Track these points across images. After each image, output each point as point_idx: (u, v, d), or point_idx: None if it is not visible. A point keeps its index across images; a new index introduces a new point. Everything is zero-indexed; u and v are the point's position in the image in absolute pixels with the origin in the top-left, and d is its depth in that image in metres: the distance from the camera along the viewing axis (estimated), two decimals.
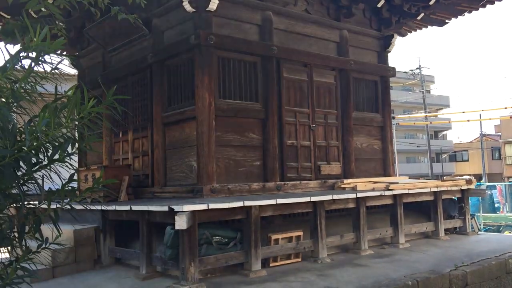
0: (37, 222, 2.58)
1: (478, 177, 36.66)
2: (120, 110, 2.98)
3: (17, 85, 2.51)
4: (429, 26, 11.05)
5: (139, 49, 8.74)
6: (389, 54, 10.50)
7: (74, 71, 10.88)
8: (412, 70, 46.63)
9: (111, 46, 9.04)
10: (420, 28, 11.18)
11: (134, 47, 8.84)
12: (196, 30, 7.33)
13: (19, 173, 2.50)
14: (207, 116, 7.14)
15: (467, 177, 10.40)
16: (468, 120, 41.15)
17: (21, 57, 2.64)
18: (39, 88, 2.80)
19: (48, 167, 2.64)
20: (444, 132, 65.49)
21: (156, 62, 8.12)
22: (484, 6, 9.78)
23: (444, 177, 12.61)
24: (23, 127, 2.57)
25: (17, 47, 3.20)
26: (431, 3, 9.34)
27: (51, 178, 2.73)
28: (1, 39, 3.41)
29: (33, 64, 2.70)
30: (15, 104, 2.54)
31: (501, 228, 21.46)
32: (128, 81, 8.95)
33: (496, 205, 27.22)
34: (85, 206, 3.21)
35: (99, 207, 6.91)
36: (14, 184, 2.52)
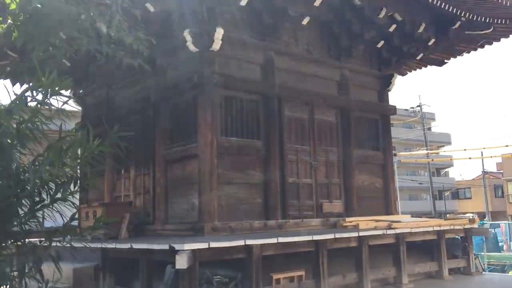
0: (37, 262, 2.57)
1: (482, 215, 36.35)
2: (124, 148, 3.02)
3: (23, 125, 2.56)
4: (428, 66, 11.22)
5: (143, 87, 8.87)
6: (389, 92, 10.63)
7: (78, 108, 11.00)
8: (412, 107, 46.93)
9: (115, 84, 9.19)
10: (420, 68, 11.36)
11: (138, 85, 8.98)
12: (199, 69, 7.46)
13: (21, 212, 2.51)
14: (209, 154, 7.17)
15: (470, 215, 10.34)
16: (469, 158, 41.15)
17: (28, 98, 2.70)
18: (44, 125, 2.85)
19: (51, 206, 2.65)
20: (446, 169, 65.32)
21: (160, 100, 8.23)
22: (482, 46, 9.97)
23: (447, 215, 12.53)
24: (27, 166, 2.60)
25: (21, 83, 3.26)
26: (429, 44, 9.53)
27: (53, 216, 2.74)
28: (7, 77, 3.49)
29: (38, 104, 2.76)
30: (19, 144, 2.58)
31: (505, 268, 21.10)
32: (132, 119, 9.04)
33: (500, 244, 26.86)
34: (86, 244, 3.20)
35: (99, 245, 6.85)
36: (15, 223, 2.52)
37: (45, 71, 2.92)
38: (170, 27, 8.37)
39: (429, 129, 53.76)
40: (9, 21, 2.84)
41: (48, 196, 2.66)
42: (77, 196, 3.10)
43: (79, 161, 2.61)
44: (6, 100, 2.73)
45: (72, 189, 2.72)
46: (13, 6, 2.90)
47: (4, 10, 2.84)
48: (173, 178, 7.89)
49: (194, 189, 7.34)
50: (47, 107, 2.76)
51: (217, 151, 7.29)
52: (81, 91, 10.64)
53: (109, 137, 2.98)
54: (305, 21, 8.59)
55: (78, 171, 2.86)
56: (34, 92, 2.74)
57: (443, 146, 58.21)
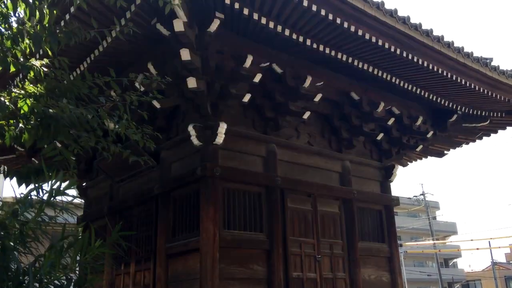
0: None
1: None
2: (125, 246, 2.99)
3: (26, 226, 2.56)
4: (428, 157, 11.37)
5: (146, 180, 8.94)
6: (391, 182, 10.66)
7: (81, 200, 11.01)
8: (416, 196, 46.79)
9: (119, 177, 9.27)
10: (420, 158, 11.51)
11: (141, 178, 9.05)
12: (202, 163, 7.56)
13: None
14: (211, 248, 7.05)
15: None
16: (477, 249, 40.14)
17: (33, 198, 2.73)
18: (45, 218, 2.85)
19: None
20: (455, 260, 63.56)
21: (162, 193, 8.25)
22: (480, 138, 10.17)
23: None
24: (27, 266, 2.57)
25: (27, 184, 3.31)
26: (428, 135, 9.74)
27: None
28: (13, 177, 3.54)
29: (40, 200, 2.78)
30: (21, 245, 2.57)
31: None
32: (134, 212, 9.01)
33: None
34: None
35: None
36: None
37: (52, 168, 2.98)
38: (174, 122, 8.65)
39: (434, 218, 53.11)
40: (20, 125, 2.95)
41: None
42: None
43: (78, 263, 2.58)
44: (8, 194, 2.76)
45: None
46: (25, 108, 3.02)
47: (15, 113, 2.96)
48: (174, 274, 7.69)
49: (195, 285, 7.11)
50: (51, 207, 2.79)
51: (219, 244, 7.17)
52: (84, 183, 10.71)
53: (111, 235, 2.96)
54: (306, 115, 8.86)
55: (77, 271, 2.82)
56: (39, 191, 2.77)
57: (449, 235, 57.15)
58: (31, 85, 3.24)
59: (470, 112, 9.92)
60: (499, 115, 10.12)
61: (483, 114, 10.03)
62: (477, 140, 10.66)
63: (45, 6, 3.11)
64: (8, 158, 8.36)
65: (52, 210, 2.95)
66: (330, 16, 6.72)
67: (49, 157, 3.48)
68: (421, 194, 45.97)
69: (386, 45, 7.45)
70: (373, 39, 7.29)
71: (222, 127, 7.64)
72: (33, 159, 8.90)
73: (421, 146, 10.35)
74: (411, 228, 49.61)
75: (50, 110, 2.93)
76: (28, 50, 3.20)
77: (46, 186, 2.93)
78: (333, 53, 7.74)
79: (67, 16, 5.99)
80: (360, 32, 7.09)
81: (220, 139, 7.66)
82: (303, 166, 9.02)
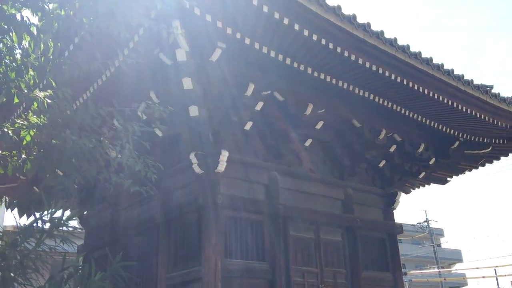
0: None
1: None
2: (125, 276, 2.96)
3: (26, 258, 2.54)
4: (431, 184, 11.32)
5: (147, 208, 8.89)
6: (395, 209, 10.58)
7: (81, 229, 10.94)
8: (420, 223, 46.34)
9: (120, 205, 9.24)
10: (423, 185, 11.46)
11: (143, 207, 9.01)
12: (204, 191, 7.53)
13: None
14: (212, 278, 6.96)
15: None
16: (483, 277, 39.56)
17: (33, 229, 2.72)
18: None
19: None
20: None
21: (164, 222, 8.20)
22: (483, 165, 10.15)
23: None
24: None
25: (28, 215, 3.30)
26: (430, 162, 9.72)
27: None
28: (14, 208, 3.53)
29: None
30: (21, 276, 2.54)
31: None
32: (135, 241, 8.93)
33: None
34: None
35: None
36: None
37: (53, 197, 2.97)
38: (177, 150, 8.65)
39: (439, 245, 52.50)
40: (22, 155, 2.96)
41: None
42: None
43: None
44: (9, 222, 2.75)
45: None
46: (28, 139, 3.04)
47: (18, 144, 2.98)
48: None
49: None
50: (52, 237, 2.77)
51: (221, 274, 7.08)
52: (85, 212, 10.66)
53: (111, 265, 2.94)
54: (308, 142, 8.87)
55: None
56: (40, 222, 2.77)
57: (455, 263, 56.34)
58: (35, 116, 3.27)
59: (472, 139, 9.93)
60: (501, 141, 10.12)
61: (485, 141, 10.03)
62: (479, 167, 10.64)
63: (50, 39, 3.16)
64: (9, 186, 8.35)
65: (53, 240, 2.94)
66: (331, 46, 6.80)
67: (50, 186, 3.48)
68: (425, 221, 45.56)
69: (387, 74, 7.52)
70: (374, 68, 7.36)
71: (224, 155, 7.64)
72: (34, 187, 8.89)
73: (423, 173, 10.32)
74: (415, 256, 48.97)
75: (53, 141, 2.94)
76: (32, 81, 3.24)
77: (47, 216, 2.93)
78: (334, 81, 7.81)
79: (71, 47, 6.07)
80: (360, 61, 7.17)
81: (222, 167, 7.65)
82: (305, 193, 8.98)
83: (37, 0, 3.16)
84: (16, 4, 3.15)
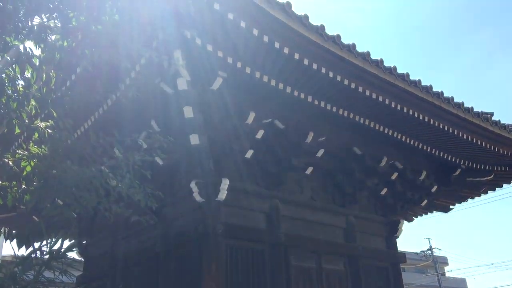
0: None
1: None
2: None
3: None
4: (434, 211, 11.24)
5: (147, 237, 8.81)
6: (397, 237, 10.48)
7: (81, 259, 10.82)
8: (423, 251, 45.81)
9: (120, 235, 9.15)
10: (426, 213, 11.38)
11: (143, 236, 8.93)
12: (204, 219, 7.47)
13: None
14: None
15: None
16: None
17: (32, 260, 2.69)
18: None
19: None
20: None
21: (164, 251, 8.11)
22: (485, 192, 10.10)
23: None
24: None
25: (27, 246, 3.26)
26: (433, 190, 9.68)
27: None
28: (13, 239, 3.50)
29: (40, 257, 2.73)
30: None
31: None
32: (135, 271, 8.82)
33: None
34: None
35: None
36: None
37: (53, 227, 2.95)
38: (177, 178, 8.63)
39: (443, 274, 51.81)
40: (22, 186, 2.96)
41: None
42: None
43: None
44: (8, 252, 2.71)
45: None
46: (28, 169, 3.03)
47: (18, 175, 2.97)
48: None
49: None
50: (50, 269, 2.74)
51: None
52: (84, 241, 10.56)
53: None
54: (309, 170, 8.85)
55: None
56: (38, 253, 2.73)
57: None
58: (35, 146, 3.27)
59: (474, 166, 9.91)
60: (502, 169, 10.09)
61: (487, 168, 10.01)
62: (482, 195, 10.58)
63: (52, 70, 3.19)
64: (9, 216, 8.29)
65: (51, 272, 2.90)
66: (331, 74, 6.86)
67: (50, 216, 3.45)
68: (428, 249, 45.05)
69: (387, 101, 7.56)
70: (373, 96, 7.40)
71: (225, 183, 7.61)
72: (34, 217, 8.83)
73: (425, 201, 10.26)
74: (419, 285, 48.25)
75: (53, 171, 2.94)
76: (34, 111, 3.26)
77: (46, 247, 2.90)
78: (334, 109, 7.84)
79: (73, 77, 6.12)
80: (360, 89, 7.21)
81: (222, 195, 7.61)
82: (307, 222, 8.90)
83: (40, 32, 3.21)
84: (19, 36, 3.20)
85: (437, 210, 11.10)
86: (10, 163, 2.95)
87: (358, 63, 6.98)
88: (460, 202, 10.84)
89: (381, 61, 7.22)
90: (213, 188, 7.61)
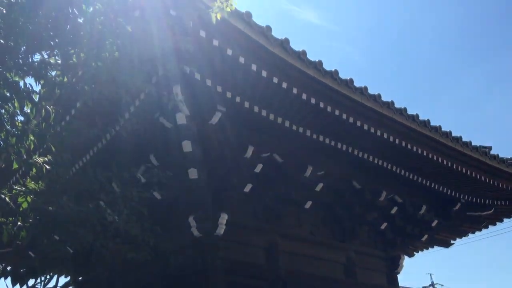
0: None
1: None
2: None
3: None
4: (435, 246, 11.12)
5: (145, 273, 8.64)
6: (398, 273, 10.31)
7: None
8: (425, 287, 45.01)
9: (116, 270, 8.98)
10: (427, 248, 11.24)
11: (140, 271, 8.76)
12: (202, 255, 7.37)
13: None
14: None
15: None
16: None
17: None
18: None
19: None
20: None
21: (162, 287, 7.95)
22: (486, 227, 10.02)
23: None
24: None
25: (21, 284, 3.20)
26: (433, 224, 9.59)
27: None
28: (8, 276, 3.44)
29: None
30: None
31: None
32: None
33: None
34: None
35: None
36: None
37: (49, 263, 2.89)
38: (175, 212, 8.53)
39: None
40: (18, 223, 2.93)
41: None
42: None
43: None
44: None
45: None
46: (24, 205, 3.00)
47: (14, 211, 2.94)
48: None
49: None
50: None
51: None
52: (80, 278, 10.36)
53: None
54: (308, 204, 8.78)
55: None
56: None
57: None
58: (32, 182, 3.25)
59: (474, 200, 9.85)
60: (503, 203, 10.03)
61: (487, 202, 9.96)
62: (482, 229, 10.48)
63: (51, 105, 3.20)
64: (4, 252, 8.17)
65: None
66: (329, 109, 6.90)
67: (46, 252, 3.40)
68: (430, 285, 44.30)
69: (385, 135, 7.58)
70: (372, 130, 7.42)
71: (223, 218, 7.53)
72: (30, 253, 8.70)
73: (426, 236, 10.15)
74: None
75: (50, 208, 2.91)
76: (32, 146, 3.25)
77: (40, 285, 2.84)
78: (332, 143, 7.85)
79: (73, 112, 6.14)
80: (359, 123, 7.25)
81: (221, 230, 7.51)
82: (306, 257, 8.77)
83: (40, 68, 3.24)
84: (19, 72, 3.23)
85: (438, 245, 10.97)
86: (7, 199, 2.93)
87: (355, 98, 7.03)
88: (461, 237, 10.72)
89: (379, 95, 7.28)
90: (212, 223, 7.52)
